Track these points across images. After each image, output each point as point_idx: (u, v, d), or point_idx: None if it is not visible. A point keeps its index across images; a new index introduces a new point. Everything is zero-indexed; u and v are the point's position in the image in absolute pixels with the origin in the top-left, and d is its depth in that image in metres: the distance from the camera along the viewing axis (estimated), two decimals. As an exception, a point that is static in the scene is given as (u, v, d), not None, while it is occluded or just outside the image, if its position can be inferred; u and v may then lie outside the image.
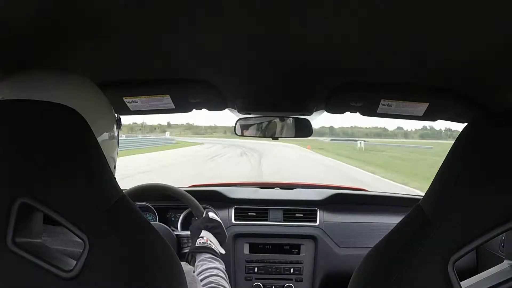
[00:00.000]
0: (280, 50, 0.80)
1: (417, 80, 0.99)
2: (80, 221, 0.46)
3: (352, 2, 0.56)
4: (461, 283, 0.43)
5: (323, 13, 0.60)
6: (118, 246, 0.47)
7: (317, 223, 1.72)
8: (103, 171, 0.50)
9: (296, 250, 1.68)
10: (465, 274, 0.48)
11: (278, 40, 0.74)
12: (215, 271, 0.99)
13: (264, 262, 1.66)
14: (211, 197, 1.78)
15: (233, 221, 1.73)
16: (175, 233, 1.36)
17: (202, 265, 1.02)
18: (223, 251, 1.14)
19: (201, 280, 0.94)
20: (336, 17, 0.61)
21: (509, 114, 0.46)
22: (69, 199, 0.46)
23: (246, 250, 1.69)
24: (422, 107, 1.10)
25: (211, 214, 1.24)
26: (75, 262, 0.46)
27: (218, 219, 1.23)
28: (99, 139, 0.69)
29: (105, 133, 0.72)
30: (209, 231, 1.16)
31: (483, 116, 0.49)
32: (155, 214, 1.65)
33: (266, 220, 1.74)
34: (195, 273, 0.99)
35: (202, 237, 1.13)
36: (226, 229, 1.66)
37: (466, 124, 0.50)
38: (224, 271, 1.03)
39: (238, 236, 1.69)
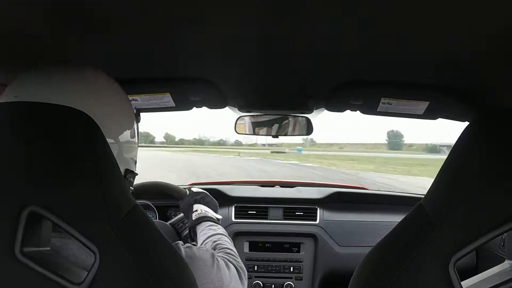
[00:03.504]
0: (280, 49, 0.80)
1: (417, 79, 0.99)
2: (91, 233, 0.45)
3: (352, 2, 0.56)
4: (462, 283, 0.43)
5: (323, 13, 0.60)
6: (129, 258, 0.46)
7: (317, 221, 1.72)
8: (114, 180, 0.49)
9: (296, 249, 1.68)
10: (465, 273, 0.48)
11: (278, 39, 0.73)
12: (218, 236, 0.98)
13: (264, 261, 1.66)
14: (211, 195, 1.77)
15: (233, 219, 1.73)
16: (168, 222, 1.36)
17: (203, 234, 1.00)
18: (220, 217, 1.15)
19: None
20: (336, 17, 0.61)
21: (510, 114, 0.46)
22: (79, 209, 0.45)
23: (246, 249, 1.69)
24: (422, 106, 1.10)
25: (194, 189, 1.24)
26: (85, 272, 0.45)
27: (202, 190, 1.24)
28: (121, 138, 0.66)
29: (127, 131, 0.68)
30: (199, 203, 1.16)
31: (484, 116, 0.48)
32: (155, 212, 1.64)
33: (266, 219, 1.74)
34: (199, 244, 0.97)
35: (196, 210, 1.13)
36: (226, 227, 1.67)
37: (467, 123, 0.50)
38: (227, 235, 1.02)
39: (238, 234, 1.69)
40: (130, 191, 0.70)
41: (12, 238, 0.44)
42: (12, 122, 0.47)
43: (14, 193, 0.45)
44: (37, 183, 0.45)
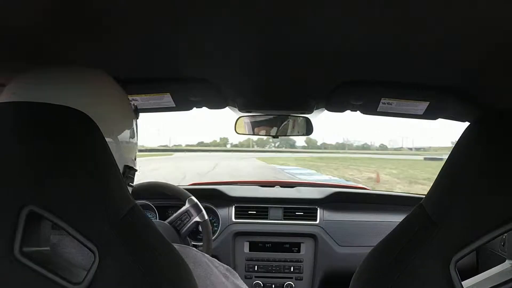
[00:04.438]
0: (280, 50, 0.80)
1: (417, 79, 0.99)
2: (90, 232, 0.45)
3: (352, 2, 0.56)
4: (463, 283, 0.43)
5: (323, 13, 0.60)
6: (128, 258, 0.45)
7: (317, 221, 1.72)
8: (113, 180, 0.49)
9: (296, 249, 1.68)
10: (465, 273, 0.48)
11: (278, 39, 0.73)
12: None
13: (264, 261, 1.66)
14: (212, 195, 1.78)
15: (233, 219, 1.73)
16: (166, 221, 1.38)
17: None
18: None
19: None
20: (336, 17, 0.61)
21: (510, 114, 0.46)
22: (78, 209, 0.45)
23: (246, 249, 1.69)
24: (422, 106, 1.10)
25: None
26: (83, 271, 0.45)
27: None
28: (121, 136, 0.66)
29: (127, 129, 0.68)
30: None
31: (484, 116, 0.48)
32: (155, 212, 1.65)
33: (266, 219, 1.74)
34: None
35: None
36: (226, 227, 1.67)
37: (467, 123, 0.50)
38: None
39: (238, 234, 1.69)
40: (131, 188, 0.70)
41: (11, 238, 0.44)
42: (11, 122, 0.47)
43: (13, 193, 0.45)
44: (36, 183, 0.45)
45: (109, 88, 0.67)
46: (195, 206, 1.40)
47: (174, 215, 1.40)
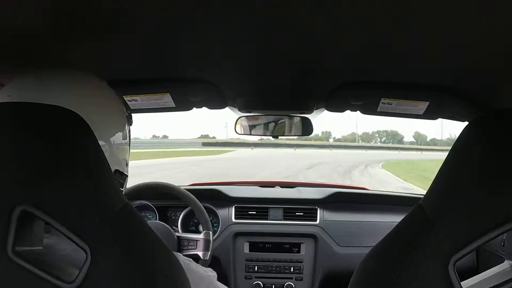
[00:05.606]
0: (280, 50, 0.80)
1: (417, 79, 0.99)
2: (82, 231, 0.45)
3: (352, 2, 0.56)
4: (462, 283, 0.43)
5: (323, 13, 0.60)
6: (120, 256, 0.45)
7: (317, 221, 1.72)
8: (105, 179, 0.49)
9: (296, 249, 1.68)
10: (465, 273, 0.48)
11: (278, 39, 0.73)
12: None
13: (264, 261, 1.66)
14: (212, 195, 1.78)
15: (233, 219, 1.73)
16: (177, 234, 1.37)
17: None
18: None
19: None
20: (336, 17, 0.61)
21: (510, 114, 0.46)
22: (70, 208, 0.45)
23: (246, 249, 1.68)
24: (422, 106, 1.11)
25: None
26: (77, 270, 0.45)
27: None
28: (112, 140, 0.67)
29: (118, 133, 0.69)
30: None
31: (484, 116, 0.48)
32: (155, 213, 1.64)
33: (266, 219, 1.74)
34: None
35: None
36: (226, 228, 1.67)
37: (467, 123, 0.50)
38: None
39: (238, 234, 1.69)
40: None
41: (4, 237, 0.44)
42: (3, 122, 0.47)
43: (5, 192, 0.45)
44: (28, 182, 0.45)
45: (100, 91, 0.68)
46: (206, 242, 1.36)
47: (187, 235, 1.39)
